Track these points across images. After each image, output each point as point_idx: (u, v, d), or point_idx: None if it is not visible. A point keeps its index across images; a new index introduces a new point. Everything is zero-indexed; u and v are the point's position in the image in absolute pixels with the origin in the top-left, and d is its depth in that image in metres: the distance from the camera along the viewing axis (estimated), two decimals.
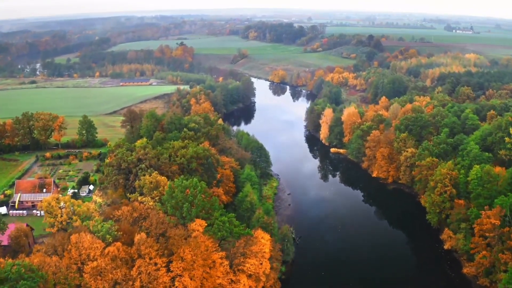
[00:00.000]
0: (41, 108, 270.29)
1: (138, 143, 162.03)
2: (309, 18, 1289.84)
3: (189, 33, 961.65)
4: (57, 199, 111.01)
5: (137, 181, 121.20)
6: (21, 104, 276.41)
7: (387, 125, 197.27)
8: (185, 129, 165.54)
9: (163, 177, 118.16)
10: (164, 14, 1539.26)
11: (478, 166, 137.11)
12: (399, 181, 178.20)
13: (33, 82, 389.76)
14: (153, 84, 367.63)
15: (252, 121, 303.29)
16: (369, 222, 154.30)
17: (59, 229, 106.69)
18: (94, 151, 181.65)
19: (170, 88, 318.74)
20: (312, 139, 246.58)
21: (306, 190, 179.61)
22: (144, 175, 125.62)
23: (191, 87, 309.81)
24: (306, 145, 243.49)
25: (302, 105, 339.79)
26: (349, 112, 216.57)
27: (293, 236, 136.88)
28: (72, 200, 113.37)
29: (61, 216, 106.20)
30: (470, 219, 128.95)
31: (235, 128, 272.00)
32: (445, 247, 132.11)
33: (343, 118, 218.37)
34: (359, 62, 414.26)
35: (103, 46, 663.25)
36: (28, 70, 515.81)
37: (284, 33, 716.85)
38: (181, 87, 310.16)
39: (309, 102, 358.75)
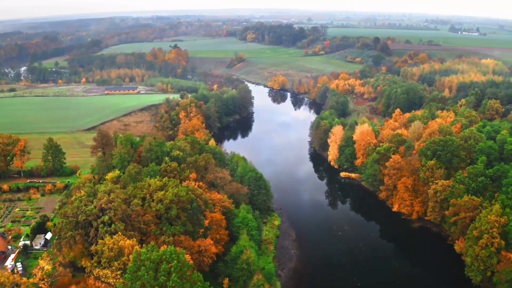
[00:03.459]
0: (12, 123, 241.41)
1: (110, 176, 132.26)
2: (309, 19, 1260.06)
3: (185, 34, 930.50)
4: None
5: (93, 245, 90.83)
6: None
7: (408, 148, 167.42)
8: (166, 158, 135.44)
9: (127, 242, 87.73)
10: (161, 15, 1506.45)
11: None
12: (425, 218, 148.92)
13: (12, 90, 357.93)
14: (141, 92, 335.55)
15: (250, 134, 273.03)
16: (394, 274, 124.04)
17: None
18: (60, 183, 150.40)
19: (158, 98, 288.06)
20: (318, 159, 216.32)
21: (314, 228, 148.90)
22: (106, 232, 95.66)
23: (182, 97, 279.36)
24: (311, 166, 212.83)
25: (305, 116, 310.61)
26: (362, 130, 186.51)
27: None
28: (4, 276, 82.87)
29: None
30: None
31: (229, 144, 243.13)
32: None
33: (355, 137, 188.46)
34: (365, 67, 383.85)
35: (94, 48, 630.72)
36: (12, 75, 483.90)
37: (284, 35, 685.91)
38: (171, 96, 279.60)
39: (312, 111, 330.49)
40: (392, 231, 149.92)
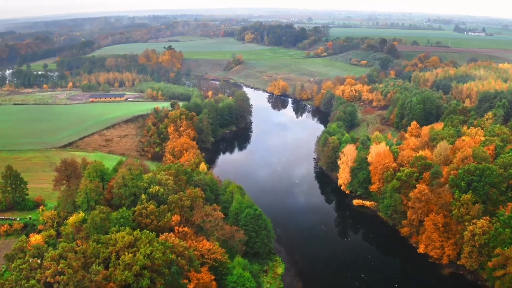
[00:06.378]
0: None
1: (71, 220, 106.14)
2: (309, 18, 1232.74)
3: (182, 34, 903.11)
4: None
5: None
6: None
7: (434, 174, 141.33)
8: (143, 196, 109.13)
9: None
10: (157, 14, 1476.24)
11: None
12: (458, 262, 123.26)
13: None
14: (129, 99, 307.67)
15: (248, 147, 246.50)
16: None
17: None
18: (17, 224, 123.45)
19: (147, 107, 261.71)
20: (325, 181, 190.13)
21: (325, 276, 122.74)
22: None
23: (172, 106, 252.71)
24: (317, 189, 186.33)
25: (309, 126, 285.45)
26: (379, 151, 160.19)
27: None
28: None
29: None
30: None
31: (224, 160, 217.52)
32: None
33: (370, 158, 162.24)
34: (373, 71, 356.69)
35: (86, 49, 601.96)
36: None
37: (284, 35, 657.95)
38: (161, 106, 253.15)
39: (316, 119, 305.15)
40: (419, 279, 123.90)
